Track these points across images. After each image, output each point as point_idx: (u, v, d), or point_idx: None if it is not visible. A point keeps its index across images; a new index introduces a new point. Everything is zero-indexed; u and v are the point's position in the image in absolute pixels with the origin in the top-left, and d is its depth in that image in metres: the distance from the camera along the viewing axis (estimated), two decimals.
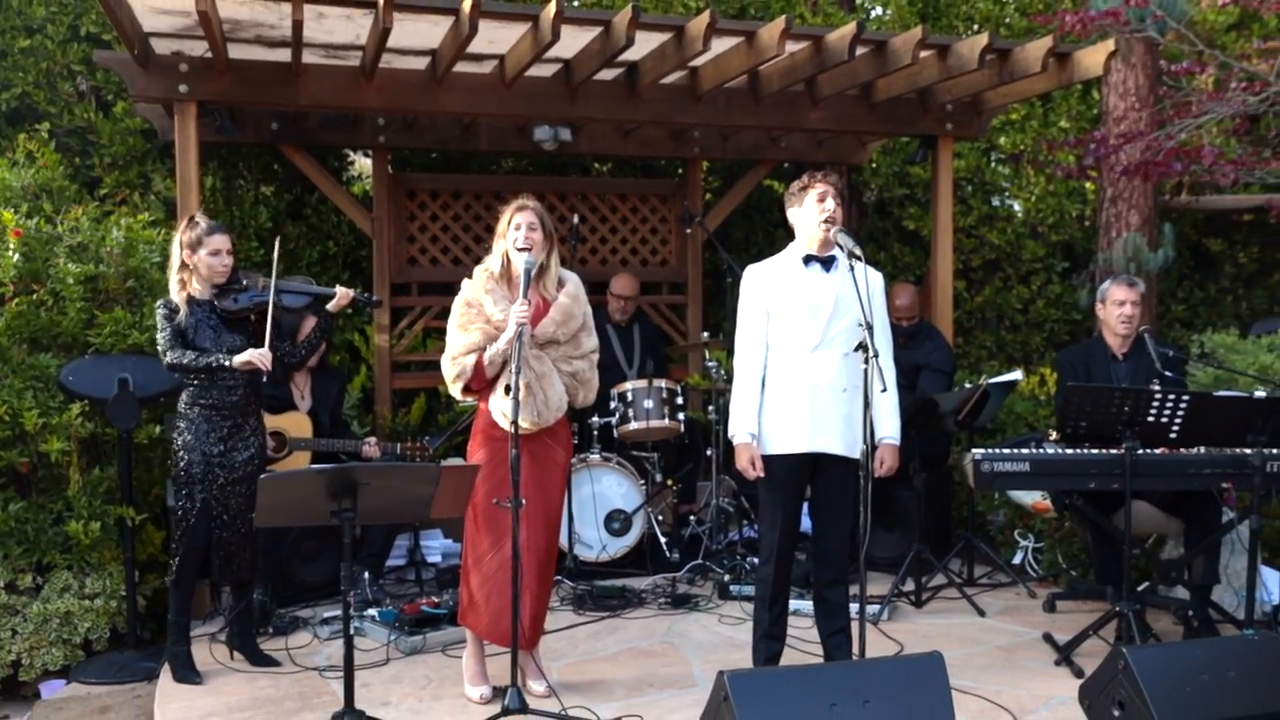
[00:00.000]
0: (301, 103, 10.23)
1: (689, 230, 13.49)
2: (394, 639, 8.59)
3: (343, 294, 8.33)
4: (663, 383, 10.86)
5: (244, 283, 8.07)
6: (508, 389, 6.99)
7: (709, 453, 11.09)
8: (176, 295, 7.81)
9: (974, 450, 8.07)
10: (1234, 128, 13.16)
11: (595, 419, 10.85)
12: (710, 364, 10.92)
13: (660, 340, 12.75)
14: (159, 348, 7.75)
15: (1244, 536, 8.34)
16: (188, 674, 8.00)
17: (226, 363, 7.71)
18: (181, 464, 7.88)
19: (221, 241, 7.92)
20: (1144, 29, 11.74)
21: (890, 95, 11.30)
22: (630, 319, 12.04)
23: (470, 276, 7.50)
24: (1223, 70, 12.63)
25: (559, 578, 9.71)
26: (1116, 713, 6.31)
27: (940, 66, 10.49)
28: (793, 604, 7.97)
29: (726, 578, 10.03)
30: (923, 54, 10.19)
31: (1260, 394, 8.01)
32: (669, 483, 11.33)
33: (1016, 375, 10.38)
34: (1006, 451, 8.09)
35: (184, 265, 7.84)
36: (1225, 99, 11.65)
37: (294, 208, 13.16)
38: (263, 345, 7.86)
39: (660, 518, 11.17)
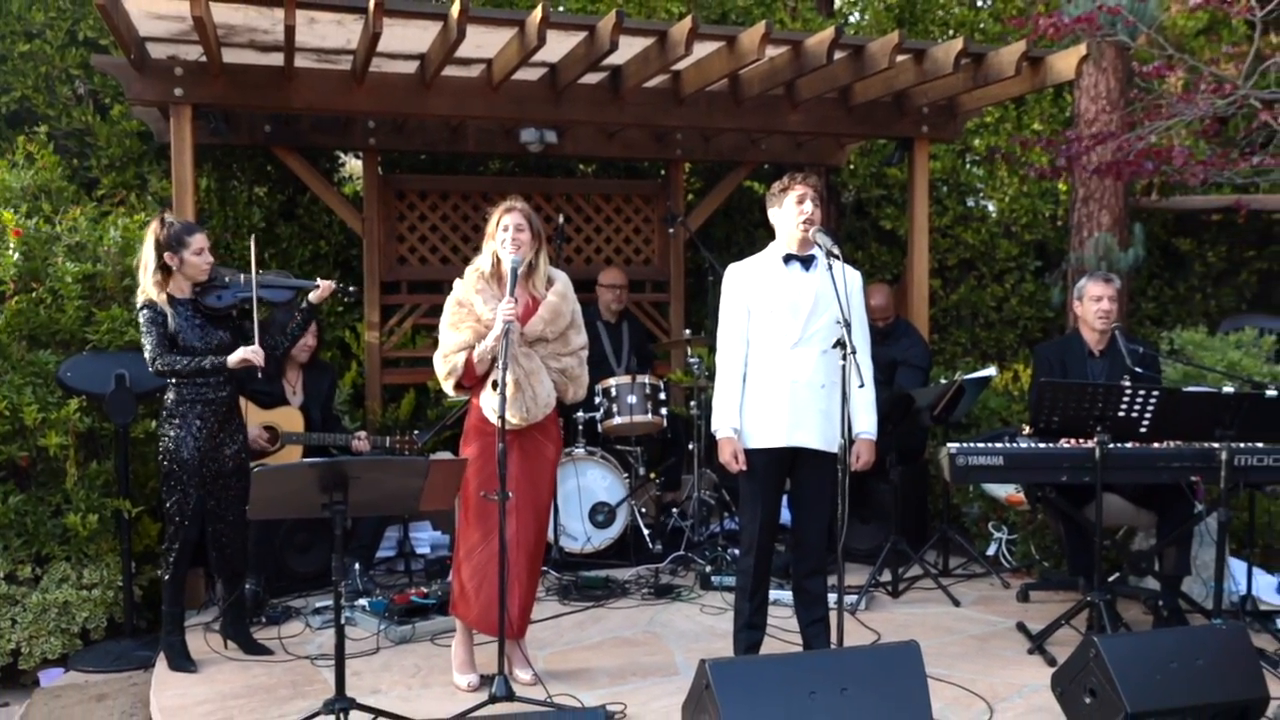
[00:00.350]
0: (294, 106, 10.23)
1: (671, 230, 13.49)
2: (384, 628, 8.60)
3: (325, 286, 8.34)
4: (646, 378, 10.87)
5: (226, 279, 8.06)
6: (495, 385, 7.01)
7: (690, 447, 11.10)
8: (157, 297, 7.77)
9: (949, 444, 8.10)
10: (1203, 130, 13.19)
11: (580, 414, 10.86)
12: (692, 360, 10.93)
13: (645, 338, 12.75)
14: (146, 353, 7.70)
15: (1213, 528, 8.36)
16: (183, 662, 8.01)
17: (221, 363, 7.74)
18: (174, 461, 7.88)
19: (203, 240, 7.91)
20: (1115, 34, 11.76)
21: (868, 99, 11.31)
22: (620, 317, 12.04)
23: (460, 276, 7.53)
24: (1192, 74, 12.67)
25: (544, 568, 9.72)
26: (1088, 700, 6.33)
27: (916, 71, 10.50)
28: (773, 594, 7.95)
29: (708, 568, 10.04)
30: (899, 58, 10.20)
31: (1228, 390, 8.02)
32: (652, 476, 11.35)
33: (990, 371, 10.38)
34: (981, 445, 8.11)
35: (162, 266, 7.80)
36: (1194, 102, 11.68)
37: (286, 208, 13.15)
38: (248, 341, 7.88)
39: (643, 510, 11.18)
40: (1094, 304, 8.95)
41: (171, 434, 7.86)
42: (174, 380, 7.84)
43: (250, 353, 7.77)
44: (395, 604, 8.86)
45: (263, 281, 8.06)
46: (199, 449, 7.87)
